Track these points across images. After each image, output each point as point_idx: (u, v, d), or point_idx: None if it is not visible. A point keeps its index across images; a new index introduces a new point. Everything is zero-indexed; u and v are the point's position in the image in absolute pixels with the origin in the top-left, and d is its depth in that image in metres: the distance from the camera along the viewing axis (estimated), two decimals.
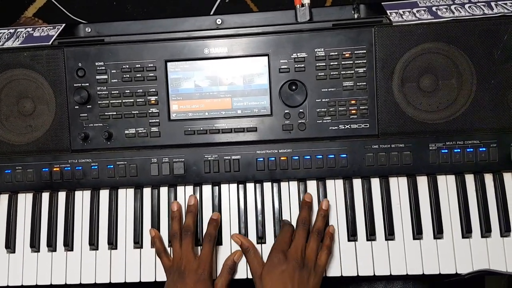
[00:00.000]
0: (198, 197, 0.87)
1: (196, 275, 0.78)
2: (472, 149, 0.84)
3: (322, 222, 0.82)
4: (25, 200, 0.90)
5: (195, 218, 0.85)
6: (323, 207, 0.84)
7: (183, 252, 0.81)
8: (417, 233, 0.83)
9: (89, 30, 0.93)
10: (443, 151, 0.84)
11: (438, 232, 0.83)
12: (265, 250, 0.84)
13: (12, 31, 0.93)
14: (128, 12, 1.42)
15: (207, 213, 0.87)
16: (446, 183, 0.85)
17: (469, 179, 0.85)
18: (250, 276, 0.83)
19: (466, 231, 0.83)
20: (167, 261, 0.83)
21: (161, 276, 0.85)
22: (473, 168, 0.84)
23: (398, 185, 0.86)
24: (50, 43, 0.88)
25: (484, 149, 0.84)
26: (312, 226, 0.84)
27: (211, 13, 1.22)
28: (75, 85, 0.87)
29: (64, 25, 0.93)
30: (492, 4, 0.86)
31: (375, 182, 0.86)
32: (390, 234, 0.84)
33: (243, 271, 0.85)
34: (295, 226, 0.83)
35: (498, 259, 0.82)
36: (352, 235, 0.84)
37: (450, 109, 0.84)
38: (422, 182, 0.85)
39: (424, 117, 0.84)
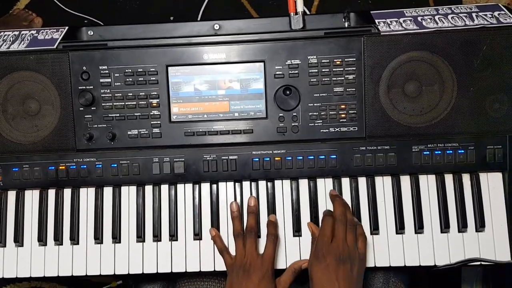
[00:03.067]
0: (197, 195, 0.93)
1: (261, 272, 0.84)
2: (451, 151, 0.91)
3: (351, 215, 0.87)
4: (31, 197, 0.94)
5: (257, 219, 0.90)
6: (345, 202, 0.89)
7: (247, 250, 0.86)
8: (400, 228, 0.90)
9: (92, 33, 0.97)
10: (425, 152, 0.91)
11: (419, 227, 0.90)
12: (261, 243, 0.90)
13: (16, 33, 0.96)
14: (121, 5, 1.44)
15: (206, 209, 0.93)
16: (427, 183, 0.92)
17: (448, 179, 0.92)
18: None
19: (445, 227, 0.90)
20: (229, 258, 0.88)
21: (163, 268, 0.91)
22: (452, 169, 0.91)
23: (383, 184, 0.92)
24: (55, 46, 0.92)
25: (463, 151, 0.91)
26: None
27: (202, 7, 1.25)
28: (79, 87, 0.91)
29: (67, 28, 0.97)
30: (473, 15, 0.92)
31: (362, 181, 0.92)
32: (375, 229, 0.90)
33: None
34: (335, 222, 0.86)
35: (473, 252, 0.89)
36: None
37: (432, 114, 0.90)
38: (405, 181, 0.92)
39: (408, 121, 0.90)
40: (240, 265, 0.86)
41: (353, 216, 0.89)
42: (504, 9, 0.93)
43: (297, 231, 0.91)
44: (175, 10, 1.69)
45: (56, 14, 1.75)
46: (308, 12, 1.35)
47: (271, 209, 0.92)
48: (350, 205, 0.91)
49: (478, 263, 0.89)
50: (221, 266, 0.90)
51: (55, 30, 0.97)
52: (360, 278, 0.84)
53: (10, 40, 0.95)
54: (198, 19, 1.59)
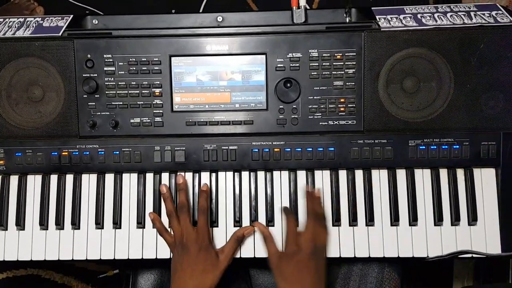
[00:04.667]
0: (197, 184, 0.94)
1: (197, 244, 0.87)
2: (446, 146, 0.93)
3: (320, 207, 0.91)
4: (34, 182, 0.96)
5: (186, 195, 0.92)
6: (317, 195, 0.92)
7: (182, 226, 0.89)
8: (395, 220, 0.93)
9: (96, 22, 0.98)
10: (421, 147, 0.93)
11: (413, 220, 0.92)
12: (257, 232, 0.93)
13: (21, 20, 0.97)
14: None
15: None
16: (422, 177, 0.94)
17: (443, 173, 0.94)
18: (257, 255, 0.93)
19: (438, 220, 0.92)
20: (169, 237, 0.91)
21: (162, 254, 0.93)
22: (447, 164, 0.93)
23: (379, 177, 0.94)
24: (60, 34, 0.93)
25: (458, 146, 0.93)
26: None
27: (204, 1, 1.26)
28: (84, 75, 0.92)
29: (72, 16, 0.98)
30: (472, 14, 0.94)
31: (359, 174, 0.94)
32: (370, 220, 0.93)
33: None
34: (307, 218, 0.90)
35: (465, 245, 0.92)
36: (336, 220, 0.93)
37: (429, 109, 0.92)
38: (401, 174, 0.94)
39: (405, 115, 0.92)
40: (178, 241, 0.88)
41: (321, 206, 0.92)
42: (502, 9, 0.95)
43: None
44: (176, 2, 1.70)
45: (58, 4, 1.76)
46: (308, 8, 1.36)
47: (270, 199, 0.94)
48: (346, 197, 0.93)
49: (469, 255, 0.91)
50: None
51: (60, 18, 0.98)
52: (324, 269, 0.87)
53: (15, 27, 0.96)
54: (200, 11, 1.60)
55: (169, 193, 0.92)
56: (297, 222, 0.92)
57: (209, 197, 0.93)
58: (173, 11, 1.70)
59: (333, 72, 0.92)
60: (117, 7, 1.72)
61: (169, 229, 0.93)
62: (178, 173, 0.94)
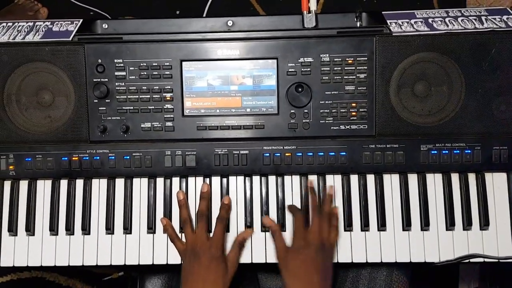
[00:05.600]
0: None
1: (210, 253, 0.86)
2: (458, 151, 0.93)
3: (329, 206, 0.91)
4: (44, 187, 0.95)
5: (208, 204, 0.92)
6: (328, 193, 0.92)
7: (197, 234, 0.88)
8: (406, 225, 0.92)
9: (106, 26, 0.98)
10: (432, 152, 0.93)
11: (425, 224, 0.92)
12: (269, 237, 0.92)
13: (31, 24, 0.97)
14: None
15: (216, 203, 0.94)
16: (434, 181, 0.94)
17: (455, 178, 0.94)
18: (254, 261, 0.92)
19: (450, 224, 0.92)
20: (181, 245, 0.90)
21: (173, 259, 0.93)
22: (459, 168, 0.93)
23: (391, 182, 0.94)
24: (70, 38, 0.93)
25: (469, 151, 0.93)
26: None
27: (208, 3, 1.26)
28: (94, 80, 0.92)
29: (81, 20, 0.97)
30: (483, 18, 0.94)
31: (370, 178, 0.94)
32: (382, 225, 0.93)
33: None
34: (310, 213, 0.91)
35: (477, 249, 0.92)
36: (348, 225, 0.93)
37: (440, 114, 0.92)
38: (413, 179, 0.94)
39: (417, 120, 0.92)
40: (191, 249, 0.88)
41: (334, 208, 0.92)
42: None
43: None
44: (181, 5, 1.70)
45: (62, 5, 1.76)
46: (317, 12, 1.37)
47: (281, 203, 0.94)
48: (358, 202, 0.93)
49: (480, 259, 0.91)
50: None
51: (69, 22, 0.97)
52: (331, 268, 0.87)
53: (25, 31, 0.95)
54: (204, 14, 1.60)
55: (185, 200, 0.92)
56: (308, 221, 0.92)
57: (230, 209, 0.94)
58: (178, 12, 1.70)
59: (344, 77, 0.92)
60: (121, 8, 1.72)
61: (179, 235, 0.92)
62: (203, 183, 0.94)
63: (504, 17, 0.94)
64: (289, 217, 0.93)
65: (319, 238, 0.86)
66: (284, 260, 0.87)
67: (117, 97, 0.92)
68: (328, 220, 0.89)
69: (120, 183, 0.95)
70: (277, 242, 0.89)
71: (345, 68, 0.92)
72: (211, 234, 0.90)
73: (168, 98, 0.93)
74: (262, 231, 0.93)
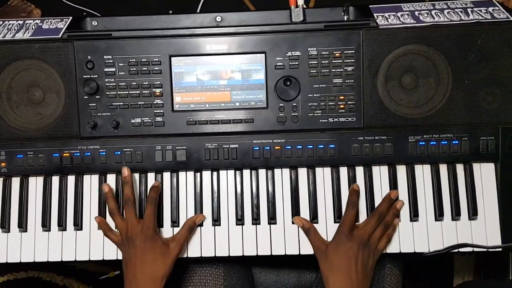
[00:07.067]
0: (198, 183, 0.95)
1: (143, 234, 0.87)
2: (446, 142, 0.93)
3: (392, 218, 0.91)
4: (35, 183, 0.96)
5: (132, 189, 0.91)
6: (397, 207, 0.92)
7: (127, 220, 0.88)
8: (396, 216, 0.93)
9: (96, 23, 0.98)
10: (420, 143, 0.94)
11: (414, 215, 0.93)
12: (260, 230, 0.93)
13: (21, 22, 0.98)
14: None
15: (207, 197, 0.95)
16: (423, 172, 0.95)
17: (443, 168, 0.95)
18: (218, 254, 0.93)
19: (439, 215, 0.93)
20: (114, 236, 0.91)
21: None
22: (447, 159, 0.94)
23: (380, 173, 0.95)
24: (60, 36, 0.94)
25: (457, 142, 0.93)
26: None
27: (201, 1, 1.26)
28: (84, 76, 0.93)
29: (71, 18, 0.98)
30: (469, 10, 0.95)
31: (360, 170, 0.95)
32: None
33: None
34: (371, 214, 0.91)
35: (466, 239, 0.92)
36: (337, 217, 0.93)
37: (428, 105, 0.93)
38: (401, 170, 0.95)
39: (404, 112, 0.93)
40: (125, 237, 0.88)
41: (397, 219, 0.92)
42: (498, 5, 0.96)
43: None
44: (173, 3, 1.71)
45: (55, 6, 1.77)
46: (305, 7, 1.38)
47: (271, 196, 0.94)
48: (347, 194, 0.94)
49: (469, 249, 0.92)
50: (222, 252, 0.93)
51: (59, 20, 0.98)
52: (372, 271, 0.88)
53: (14, 29, 0.96)
54: (197, 12, 1.61)
55: (112, 191, 0.92)
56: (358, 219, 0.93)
57: (218, 196, 0.94)
58: (171, 11, 1.71)
59: (332, 70, 0.93)
60: (114, 8, 1.73)
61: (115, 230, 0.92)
62: (123, 166, 0.92)
63: (490, 9, 0.95)
64: (279, 211, 0.94)
65: (367, 237, 0.87)
66: (324, 254, 0.87)
67: (107, 93, 0.93)
68: (385, 228, 0.90)
69: (111, 178, 0.96)
70: (315, 238, 0.90)
71: (333, 61, 0.92)
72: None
73: (158, 94, 0.93)
74: (252, 224, 0.94)
